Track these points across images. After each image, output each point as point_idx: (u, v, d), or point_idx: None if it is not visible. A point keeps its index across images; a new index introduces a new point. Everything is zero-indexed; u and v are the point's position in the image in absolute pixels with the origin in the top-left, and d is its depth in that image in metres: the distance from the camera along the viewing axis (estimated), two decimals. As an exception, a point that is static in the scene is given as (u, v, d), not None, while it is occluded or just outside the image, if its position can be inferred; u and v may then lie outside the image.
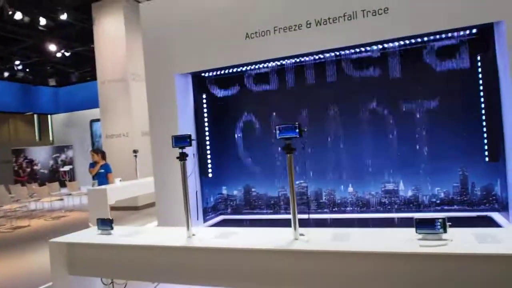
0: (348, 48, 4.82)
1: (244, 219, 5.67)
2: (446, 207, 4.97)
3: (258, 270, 2.26)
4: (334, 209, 5.42)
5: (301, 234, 2.40)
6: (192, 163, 5.35)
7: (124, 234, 2.86)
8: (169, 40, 5.18)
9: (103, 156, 7.42)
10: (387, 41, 4.64)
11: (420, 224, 2.13)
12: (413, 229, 2.19)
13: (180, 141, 2.75)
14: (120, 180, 6.89)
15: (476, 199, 4.85)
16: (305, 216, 5.19)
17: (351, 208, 5.35)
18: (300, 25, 4.56)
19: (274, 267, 2.22)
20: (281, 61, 5.28)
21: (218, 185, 5.92)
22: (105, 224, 2.97)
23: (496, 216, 4.60)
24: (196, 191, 5.34)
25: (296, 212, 2.47)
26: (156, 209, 5.44)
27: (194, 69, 5.20)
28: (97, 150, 7.47)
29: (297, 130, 2.38)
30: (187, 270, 2.48)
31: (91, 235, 2.93)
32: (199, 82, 5.60)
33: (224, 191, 5.96)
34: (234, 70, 5.47)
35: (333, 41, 4.52)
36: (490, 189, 4.78)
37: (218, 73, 5.60)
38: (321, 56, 5.17)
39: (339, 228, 2.57)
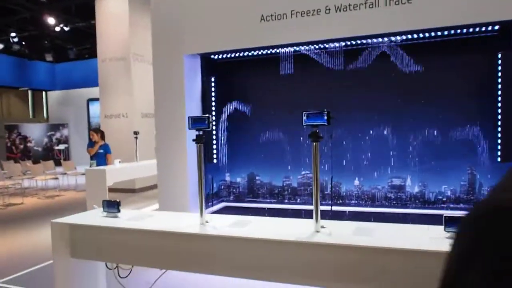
0: (367, 37, 4.71)
1: (247, 207, 5.59)
2: (452, 205, 4.93)
3: (277, 262, 2.17)
4: (338, 202, 5.36)
5: (322, 227, 2.31)
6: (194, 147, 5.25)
7: (132, 218, 2.73)
8: (179, 18, 5.01)
9: (103, 136, 7.26)
10: (407, 33, 4.53)
11: (450, 222, 2.05)
12: (439, 227, 2.12)
13: (198, 122, 2.61)
14: (120, 162, 6.75)
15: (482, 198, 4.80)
16: (327, 207, 5.15)
17: (356, 202, 5.29)
18: (319, 10, 4.42)
19: (295, 260, 2.14)
20: (296, 47, 5.15)
21: (222, 172, 5.81)
22: (112, 206, 2.84)
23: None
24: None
25: (319, 203, 2.37)
26: (157, 192, 5.33)
27: (204, 50, 5.05)
28: (97, 130, 7.30)
29: (325, 117, 2.27)
30: (200, 258, 2.38)
31: (95, 217, 2.79)
32: (208, 64, 5.45)
33: (228, 178, 5.86)
34: (246, 54, 5.33)
35: (352, 29, 4.39)
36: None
37: (229, 56, 5.46)
38: (336, 44, 5.06)
39: (361, 222, 2.48)
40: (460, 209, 4.86)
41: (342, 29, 4.43)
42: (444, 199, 4.96)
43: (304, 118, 2.30)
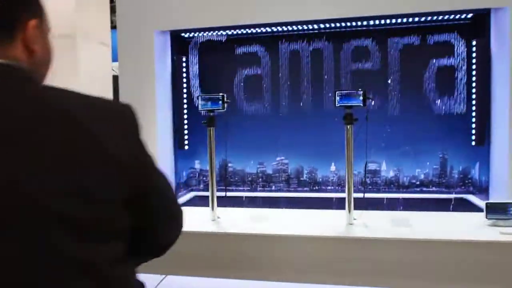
0: (347, 20, 4.62)
1: (218, 196, 5.31)
2: (424, 189, 5.05)
3: (312, 260, 1.98)
4: (315, 188, 5.28)
5: (354, 218, 2.16)
6: (167, 134, 4.89)
7: None
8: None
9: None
10: (385, 17, 4.51)
11: (491, 209, 1.99)
12: (479, 214, 2.06)
13: (210, 102, 2.32)
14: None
15: (454, 181, 4.98)
16: (303, 194, 5.03)
17: (332, 187, 5.24)
18: (304, -11, 4.23)
19: (331, 257, 1.96)
20: (275, 28, 4.93)
21: (191, 159, 5.49)
22: None
23: (472, 198, 4.75)
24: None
25: (352, 192, 2.20)
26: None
27: (178, 26, 4.67)
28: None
29: (361, 98, 2.11)
30: (214, 261, 2.11)
31: None
32: (179, 43, 5.07)
33: (197, 166, 5.54)
34: (220, 33, 5.03)
35: (338, 10, 4.27)
36: (467, 172, 4.92)
37: (201, 34, 5.12)
38: (318, 26, 4.91)
39: (396, 212, 2.37)
40: (432, 192, 5.00)
41: (329, 9, 4.29)
42: (418, 182, 5.07)
43: (338, 98, 2.12)
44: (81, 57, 8.80)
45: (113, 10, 12.29)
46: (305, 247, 1.98)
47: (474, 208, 4.42)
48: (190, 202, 5.08)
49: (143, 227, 1.02)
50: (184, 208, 2.51)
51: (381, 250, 1.93)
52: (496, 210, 1.97)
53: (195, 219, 2.26)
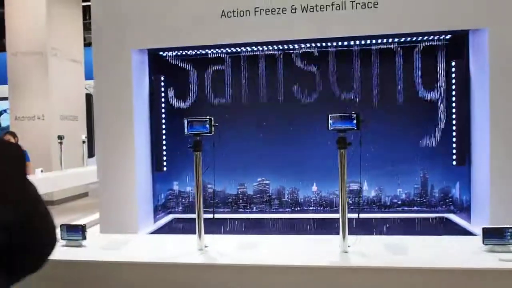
0: (329, 40, 4.63)
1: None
2: (406, 208, 5.04)
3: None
4: (296, 209, 5.18)
5: (348, 245, 2.06)
6: (145, 155, 4.71)
7: (104, 246, 2.16)
8: (127, 7, 4.44)
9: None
10: (370, 37, 4.55)
11: (488, 234, 1.93)
12: (474, 238, 2.00)
13: (197, 125, 2.20)
14: (42, 171, 5.87)
15: (434, 201, 4.99)
16: (286, 215, 4.90)
17: (314, 208, 5.16)
18: (284, 9, 4.20)
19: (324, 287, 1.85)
20: (254, 47, 4.89)
21: (169, 181, 5.30)
22: (75, 232, 2.24)
23: (453, 217, 4.77)
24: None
25: (346, 219, 2.10)
26: (99, 209, 4.64)
27: (156, 45, 4.54)
28: (14, 133, 6.27)
29: (354, 121, 2.04)
30: None
31: None
32: (157, 62, 4.94)
33: (176, 187, 5.36)
34: (199, 52, 4.94)
35: (317, 31, 4.25)
36: (448, 192, 4.94)
37: (180, 53, 5.01)
38: (296, 46, 4.91)
39: (389, 237, 2.28)
40: (414, 212, 4.99)
41: (307, 30, 4.27)
42: (399, 202, 5.05)
43: (330, 121, 2.04)
44: (52, 74, 8.54)
45: (86, 27, 12.11)
46: (300, 277, 1.87)
47: (456, 226, 4.43)
48: (169, 225, 4.88)
49: (15, 243, 1.10)
50: (168, 236, 2.34)
51: (379, 279, 1.84)
52: (493, 235, 1.92)
53: (181, 248, 2.10)
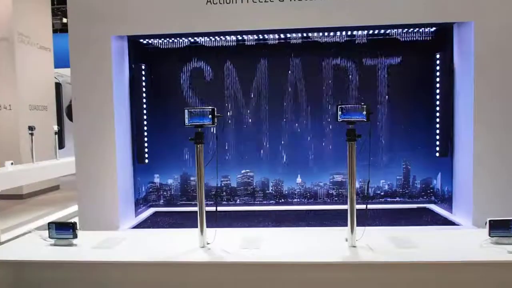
0: (315, 30, 4.57)
1: (180, 212, 5.02)
2: (389, 199, 5.09)
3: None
4: (280, 200, 5.14)
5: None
6: (126, 147, 4.53)
7: (97, 245, 2.00)
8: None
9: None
10: (352, 28, 4.53)
11: (494, 226, 1.93)
12: (479, 230, 2.00)
13: (197, 117, 2.08)
14: (12, 164, 5.56)
15: (416, 191, 5.06)
16: (271, 207, 4.81)
17: (299, 200, 5.13)
18: (272, -3, 4.10)
19: (335, 284, 1.80)
20: (239, 36, 4.77)
21: (149, 173, 5.13)
22: (64, 230, 2.07)
23: (434, 207, 4.85)
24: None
25: (355, 212, 2.05)
26: (78, 202, 4.43)
27: (137, 32, 4.34)
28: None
29: (364, 113, 1.98)
30: None
31: (38, 248, 1.96)
32: (137, 49, 4.74)
33: (157, 180, 5.20)
34: (182, 40, 4.78)
35: (303, 20, 4.17)
36: (429, 183, 5.02)
37: (161, 41, 4.83)
38: (282, 36, 4.82)
39: (395, 228, 2.25)
40: (397, 202, 5.05)
41: (293, 19, 4.18)
42: (382, 193, 5.09)
43: (339, 113, 1.97)
44: (20, 61, 8.09)
45: (54, 13, 11.54)
46: (308, 275, 1.80)
47: (437, 216, 4.50)
48: (151, 219, 4.72)
49: None
50: (164, 231, 2.20)
51: (391, 274, 1.80)
52: (499, 227, 1.92)
53: (182, 246, 1.98)
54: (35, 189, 8.10)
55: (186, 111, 2.13)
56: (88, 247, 2.03)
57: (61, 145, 9.54)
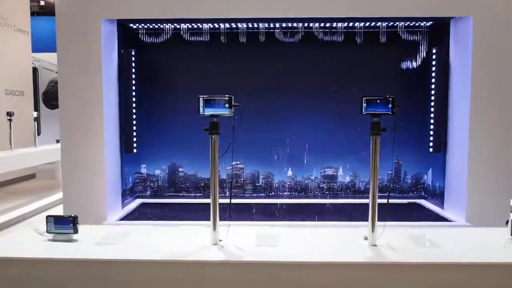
0: (311, 20, 4.48)
1: (167, 203, 4.87)
2: (379, 194, 5.05)
3: None
4: (271, 194, 5.05)
5: (365, 238, 1.93)
6: (113, 135, 4.34)
7: (100, 241, 1.83)
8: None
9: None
10: (348, 20, 4.46)
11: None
12: (498, 229, 1.96)
13: (213, 105, 1.94)
14: (-12, 151, 5.28)
15: (407, 186, 5.06)
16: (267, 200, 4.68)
17: (289, 193, 5.05)
18: (271, -15, 3.97)
19: (357, 284, 1.71)
20: (232, 24, 4.62)
21: (136, 163, 4.95)
22: (63, 223, 1.88)
23: (424, 203, 4.86)
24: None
25: (377, 210, 1.96)
26: (62, 192, 4.23)
27: (128, 16, 4.14)
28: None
29: (390, 106, 1.89)
30: None
31: (35, 243, 1.76)
32: (127, 34, 4.54)
33: (144, 170, 5.02)
34: (175, 26, 4.60)
35: (303, 10, 4.07)
36: (420, 178, 5.03)
37: (152, 26, 4.64)
38: (277, 25, 4.70)
39: (408, 225, 2.19)
40: (387, 197, 5.02)
41: (287, 8, 4.07)
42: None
43: (364, 105, 1.87)
44: (-4, 44, 7.69)
45: (33, -4, 11.03)
46: (331, 275, 1.72)
47: (429, 212, 4.51)
48: (139, 211, 4.56)
49: None
50: (170, 227, 2.05)
51: (416, 275, 1.73)
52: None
53: (194, 243, 1.84)
54: (9, 178, 7.76)
55: (201, 98, 1.99)
56: (90, 243, 1.86)
57: (38, 132, 9.18)
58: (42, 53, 10.43)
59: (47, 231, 1.94)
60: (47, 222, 1.92)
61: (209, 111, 1.95)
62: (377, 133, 1.94)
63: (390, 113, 1.94)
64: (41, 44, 10.44)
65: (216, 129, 2.02)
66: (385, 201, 4.71)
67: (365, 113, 1.95)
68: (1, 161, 5.35)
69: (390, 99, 1.94)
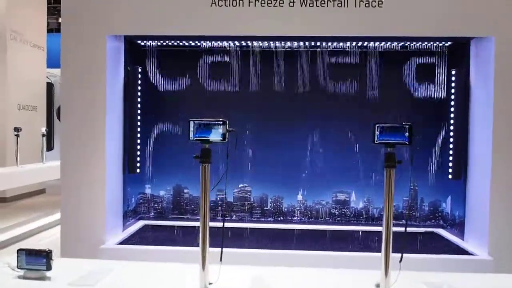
0: (330, 39, 4.32)
1: (171, 226, 4.68)
2: (394, 222, 4.78)
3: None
4: (279, 218, 4.82)
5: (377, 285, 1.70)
6: (116, 154, 4.20)
7: (75, 281, 1.63)
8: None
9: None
10: (368, 39, 4.28)
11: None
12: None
13: (205, 130, 1.75)
14: (-5, 166, 5.21)
15: (424, 214, 4.77)
16: (270, 225, 4.46)
17: (299, 218, 4.81)
18: (281, 2, 3.83)
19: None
20: (245, 42, 4.50)
21: (140, 183, 4.80)
22: (36, 258, 1.67)
23: (443, 232, 4.56)
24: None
25: (390, 250, 1.73)
26: (61, 213, 4.09)
27: (135, 32, 4.05)
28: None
29: (407, 134, 1.66)
30: None
31: (2, 280, 1.60)
32: (134, 51, 4.44)
33: (148, 191, 4.86)
34: (182, 43, 4.50)
35: (314, 28, 3.91)
36: (438, 206, 4.74)
37: (160, 43, 4.55)
38: (289, 43, 4.56)
39: (425, 270, 1.95)
40: (402, 225, 4.74)
41: (303, 27, 3.91)
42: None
43: (377, 133, 1.65)
44: (11, 59, 7.74)
45: (50, 12, 11.24)
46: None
47: (447, 243, 4.21)
48: (140, 234, 4.38)
49: None
50: (158, 264, 1.86)
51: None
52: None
53: (181, 285, 1.64)
54: (20, 192, 7.72)
55: (191, 122, 1.79)
56: (64, 283, 1.66)
57: (49, 146, 9.19)
58: (59, 69, 10.56)
59: (18, 267, 1.75)
60: (18, 256, 1.73)
61: (200, 136, 1.75)
62: (392, 165, 1.70)
63: (407, 143, 1.71)
64: (59, 60, 10.60)
65: (208, 157, 1.81)
66: (400, 229, 4.44)
67: (377, 142, 1.72)
68: (6, 177, 5.27)
69: (407, 126, 1.71)
